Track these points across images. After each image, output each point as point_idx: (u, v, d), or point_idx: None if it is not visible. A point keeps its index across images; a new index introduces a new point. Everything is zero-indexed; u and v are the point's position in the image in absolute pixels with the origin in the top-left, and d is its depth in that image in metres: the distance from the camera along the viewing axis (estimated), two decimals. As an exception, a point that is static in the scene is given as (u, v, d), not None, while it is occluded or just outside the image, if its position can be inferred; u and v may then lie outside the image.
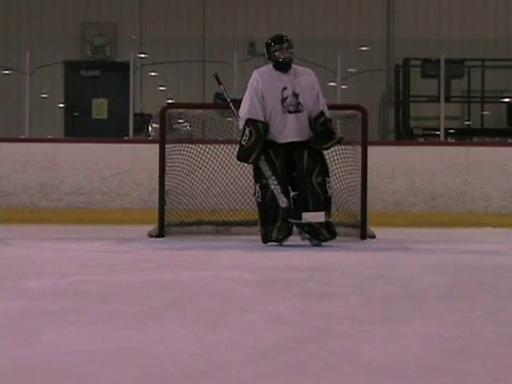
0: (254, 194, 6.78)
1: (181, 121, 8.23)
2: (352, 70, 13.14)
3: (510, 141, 13.46)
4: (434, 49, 13.16)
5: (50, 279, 4.25)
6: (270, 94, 6.70)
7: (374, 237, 7.41)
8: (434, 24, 14.73)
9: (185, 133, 8.37)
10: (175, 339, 2.65)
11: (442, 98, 11.48)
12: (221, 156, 7.93)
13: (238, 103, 7.01)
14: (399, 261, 5.65)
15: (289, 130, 6.69)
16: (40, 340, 2.63)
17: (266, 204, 6.66)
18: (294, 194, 6.70)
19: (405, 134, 13.95)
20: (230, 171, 7.89)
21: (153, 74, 14.26)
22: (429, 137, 13.54)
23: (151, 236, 7.39)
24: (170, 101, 12.27)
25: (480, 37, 14.38)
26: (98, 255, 5.91)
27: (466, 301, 3.64)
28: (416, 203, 9.83)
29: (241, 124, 6.74)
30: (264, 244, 6.68)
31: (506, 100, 14.39)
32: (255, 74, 6.81)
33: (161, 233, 7.40)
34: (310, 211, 6.62)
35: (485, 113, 14.30)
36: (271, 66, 6.83)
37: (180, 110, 8.00)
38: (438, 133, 11.60)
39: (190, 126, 8.33)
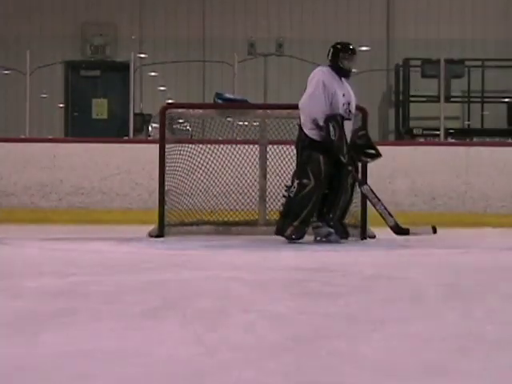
0: (287, 189, 6.85)
1: (181, 121, 8.23)
2: (352, 70, 13.13)
3: (509, 141, 13.45)
4: (434, 49, 13.15)
5: (50, 279, 4.25)
6: (337, 96, 6.83)
7: (373, 237, 7.42)
8: (433, 24, 14.72)
9: (185, 133, 8.37)
10: (175, 339, 2.65)
11: (442, 98, 11.47)
12: (221, 156, 7.92)
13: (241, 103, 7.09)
14: (399, 261, 5.65)
15: None
16: (40, 340, 2.63)
17: (295, 200, 6.72)
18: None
19: (405, 134, 13.95)
20: (230, 171, 7.89)
21: (153, 74, 14.26)
22: (429, 137, 13.52)
23: (151, 236, 7.39)
24: (169, 101, 12.25)
25: (480, 37, 14.37)
26: (97, 255, 5.90)
27: (466, 301, 3.64)
28: (416, 203, 9.82)
29: (310, 117, 6.76)
30: (275, 235, 6.83)
31: (506, 100, 14.38)
32: (326, 72, 6.88)
33: (161, 233, 7.39)
34: (337, 208, 6.89)
35: (485, 113, 14.29)
36: (330, 69, 6.90)
37: (180, 110, 7.99)
38: (438, 133, 11.58)
39: (190, 126, 8.33)
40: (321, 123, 6.73)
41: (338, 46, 7.01)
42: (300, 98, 6.93)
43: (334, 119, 6.72)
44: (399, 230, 6.72)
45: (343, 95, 6.88)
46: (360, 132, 6.99)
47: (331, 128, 6.68)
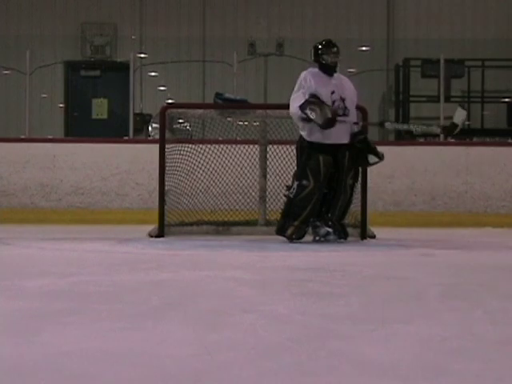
0: (288, 189, 6.88)
1: (181, 121, 8.23)
2: (352, 70, 13.13)
3: (510, 141, 13.45)
4: (434, 49, 13.15)
5: (50, 279, 4.25)
6: (321, 94, 6.84)
7: (374, 237, 7.42)
8: (434, 24, 14.72)
9: (185, 133, 8.37)
10: (175, 339, 2.65)
11: (442, 98, 11.47)
12: (221, 156, 7.93)
13: (241, 103, 7.09)
14: (399, 261, 5.65)
15: (337, 132, 6.85)
16: (40, 340, 2.63)
17: (295, 201, 6.76)
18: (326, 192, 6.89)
19: (405, 134, 13.94)
20: (230, 171, 7.90)
21: (153, 74, 14.26)
22: (429, 137, 13.52)
23: (151, 236, 7.39)
24: (169, 101, 12.25)
25: (480, 37, 14.38)
26: (97, 255, 5.90)
27: (466, 301, 3.64)
28: (416, 203, 9.83)
29: (296, 119, 6.85)
30: (276, 235, 6.91)
31: (506, 100, 14.38)
32: (307, 74, 6.94)
33: (161, 233, 7.39)
34: (336, 208, 6.88)
35: (485, 113, 14.29)
36: (317, 69, 6.96)
37: (180, 110, 7.99)
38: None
39: (189, 126, 8.33)
40: (303, 116, 6.79)
41: (317, 45, 7.07)
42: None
43: (306, 104, 6.71)
44: (449, 131, 6.97)
45: (332, 92, 6.87)
46: (359, 136, 6.97)
47: (308, 112, 6.70)
